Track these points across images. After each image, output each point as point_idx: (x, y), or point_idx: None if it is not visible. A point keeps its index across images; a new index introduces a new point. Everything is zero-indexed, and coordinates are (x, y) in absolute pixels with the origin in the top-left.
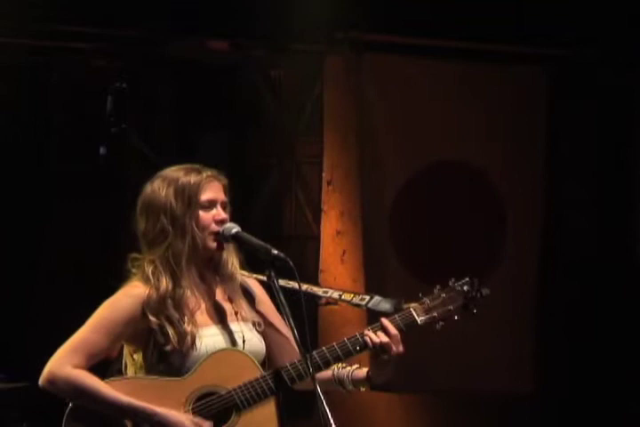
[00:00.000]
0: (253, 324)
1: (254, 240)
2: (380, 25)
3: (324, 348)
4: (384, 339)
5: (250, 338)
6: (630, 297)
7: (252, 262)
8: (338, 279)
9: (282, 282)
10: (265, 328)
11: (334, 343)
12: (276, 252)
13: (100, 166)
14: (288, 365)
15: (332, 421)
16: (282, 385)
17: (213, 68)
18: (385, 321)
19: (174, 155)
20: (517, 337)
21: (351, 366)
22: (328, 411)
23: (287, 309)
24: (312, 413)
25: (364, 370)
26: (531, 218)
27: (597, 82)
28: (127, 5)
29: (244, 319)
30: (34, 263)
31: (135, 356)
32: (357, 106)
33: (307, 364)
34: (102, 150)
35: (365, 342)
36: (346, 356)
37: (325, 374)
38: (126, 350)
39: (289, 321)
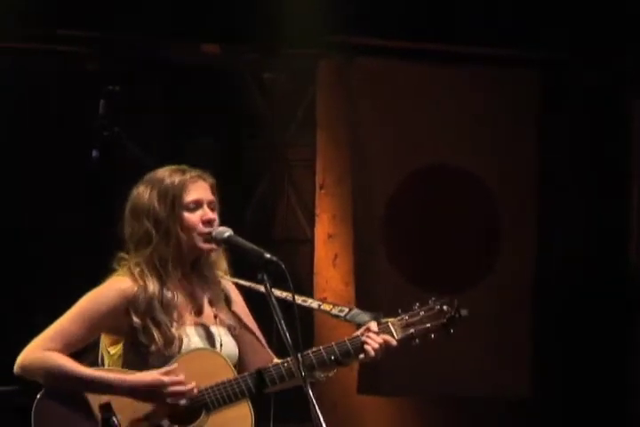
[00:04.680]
0: (229, 328)
1: (247, 244)
2: (373, 29)
3: (309, 351)
4: (377, 347)
5: (226, 342)
6: (624, 301)
7: (241, 265)
8: (330, 282)
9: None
10: (238, 331)
11: (320, 347)
12: (268, 255)
13: (92, 169)
14: (270, 366)
15: (323, 424)
16: (257, 388)
17: (206, 71)
18: (387, 337)
19: (166, 158)
20: (513, 342)
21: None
22: (320, 414)
23: (279, 311)
24: (304, 416)
25: None
26: (525, 221)
27: (588, 85)
28: (120, 9)
29: (222, 323)
30: (23, 268)
31: (111, 349)
32: (350, 110)
33: (297, 366)
34: (95, 153)
35: (366, 351)
36: (330, 361)
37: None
38: (103, 343)
39: (280, 324)
